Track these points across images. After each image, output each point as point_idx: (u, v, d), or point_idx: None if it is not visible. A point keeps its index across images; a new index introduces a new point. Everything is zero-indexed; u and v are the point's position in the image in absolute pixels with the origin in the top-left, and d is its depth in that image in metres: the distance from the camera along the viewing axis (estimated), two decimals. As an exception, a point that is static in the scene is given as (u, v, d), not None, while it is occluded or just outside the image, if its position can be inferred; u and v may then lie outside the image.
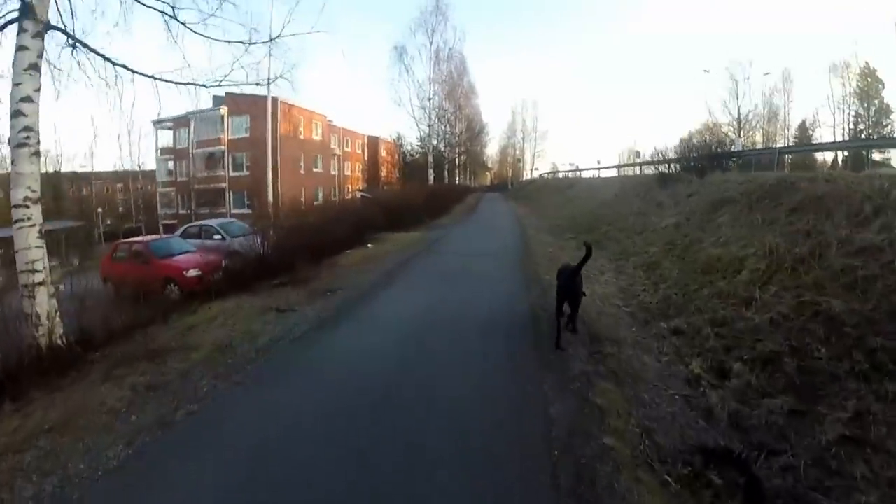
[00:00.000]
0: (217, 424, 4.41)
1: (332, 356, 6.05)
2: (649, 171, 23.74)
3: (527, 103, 77.24)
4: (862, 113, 44.94)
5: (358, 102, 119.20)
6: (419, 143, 43.41)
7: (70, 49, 7.15)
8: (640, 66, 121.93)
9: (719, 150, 16.33)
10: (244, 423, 4.36)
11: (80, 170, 56.49)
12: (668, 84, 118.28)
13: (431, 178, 40.18)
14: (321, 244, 13.37)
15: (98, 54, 7.21)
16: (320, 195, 46.57)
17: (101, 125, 79.96)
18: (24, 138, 6.38)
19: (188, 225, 19.02)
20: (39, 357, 6.25)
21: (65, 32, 6.95)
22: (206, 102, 42.98)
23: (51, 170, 50.76)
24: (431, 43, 39.06)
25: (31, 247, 6.44)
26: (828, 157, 35.66)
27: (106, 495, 3.47)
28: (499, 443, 3.87)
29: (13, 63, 6.38)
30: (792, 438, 3.89)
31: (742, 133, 45.03)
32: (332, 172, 54.64)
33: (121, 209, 57.23)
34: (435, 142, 42.20)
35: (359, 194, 49.19)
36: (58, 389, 5.53)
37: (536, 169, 75.54)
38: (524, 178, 74.57)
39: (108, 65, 7.31)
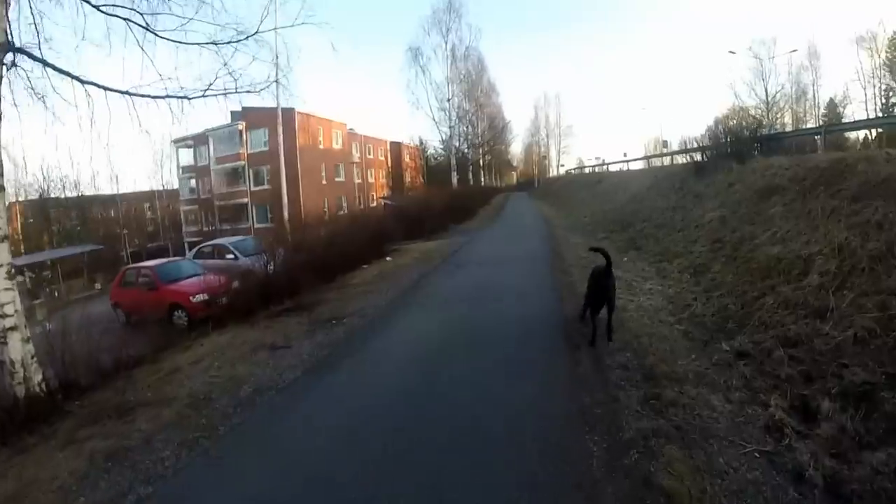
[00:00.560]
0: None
1: (322, 416, 4.91)
2: (680, 160, 22.60)
3: (549, 98, 75.34)
4: (894, 86, 42.75)
5: (380, 108, 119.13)
6: (441, 146, 42.61)
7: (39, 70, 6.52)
8: (661, 53, 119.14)
9: (758, 132, 15.08)
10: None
11: (108, 192, 57.52)
12: (691, 70, 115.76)
13: (455, 181, 39.35)
14: (332, 261, 12.61)
15: (64, 73, 6.52)
16: (344, 205, 46.19)
17: (122, 147, 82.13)
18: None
19: (201, 245, 18.48)
20: (14, 409, 5.65)
21: (28, 53, 6.29)
22: (224, 118, 43.18)
23: (71, 195, 51.91)
24: (446, 42, 38.47)
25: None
26: (860, 135, 33.52)
27: None
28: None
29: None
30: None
31: (770, 115, 43.07)
32: (356, 181, 54.21)
33: (150, 228, 58.45)
34: (457, 143, 41.44)
35: (382, 202, 48.74)
36: (23, 451, 4.88)
37: (562, 165, 74.35)
38: (550, 176, 73.15)
39: (78, 84, 6.63)
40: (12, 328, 5.83)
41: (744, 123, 15.18)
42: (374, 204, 52.36)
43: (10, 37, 6.16)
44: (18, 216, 44.54)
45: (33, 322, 8.23)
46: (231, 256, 15.58)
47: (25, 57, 6.40)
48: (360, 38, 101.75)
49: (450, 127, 39.44)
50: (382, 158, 64.29)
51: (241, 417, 5.01)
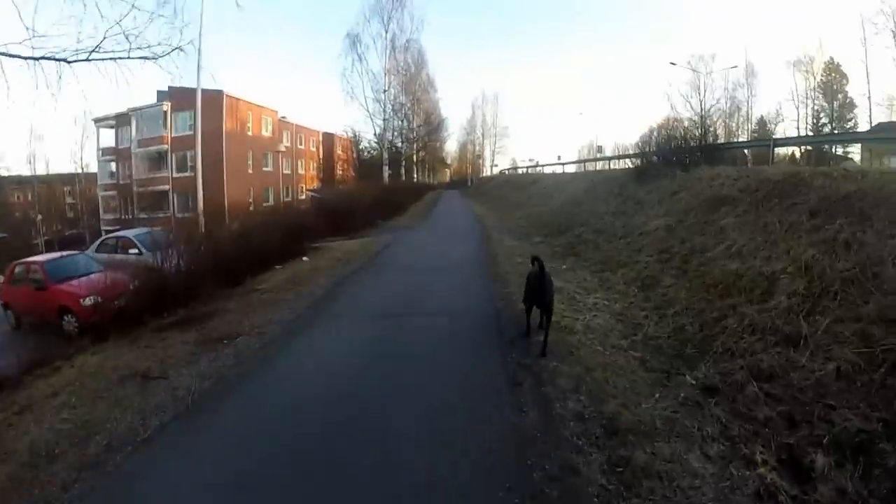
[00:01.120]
0: None
1: (185, 489, 3.59)
2: (619, 165, 22.45)
3: (487, 97, 74.73)
4: (825, 106, 44.71)
5: (313, 97, 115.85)
6: (375, 140, 41.17)
7: None
8: (600, 61, 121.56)
9: (705, 140, 14.76)
10: None
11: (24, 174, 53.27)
12: (628, 81, 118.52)
13: (387, 175, 38.12)
14: (241, 261, 11.14)
15: None
16: (270, 196, 44.03)
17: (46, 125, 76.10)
18: None
19: (105, 237, 16.52)
20: None
21: None
22: (150, 98, 40.37)
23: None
24: (387, 31, 37.18)
25: None
26: (784, 151, 34.78)
27: None
28: None
29: None
30: None
31: (703, 127, 44.15)
32: (285, 171, 51.94)
33: (70, 214, 54.54)
34: (390, 137, 40.18)
35: (308, 195, 46.91)
36: None
37: (496, 165, 74.31)
38: (484, 175, 73.02)
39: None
40: None
41: (686, 131, 14.71)
42: (304, 196, 50.31)
43: None
44: None
45: None
46: (135, 251, 13.82)
47: None
48: (299, 22, 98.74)
49: (384, 119, 38.11)
50: (314, 149, 62.00)
51: (86, 486, 3.74)
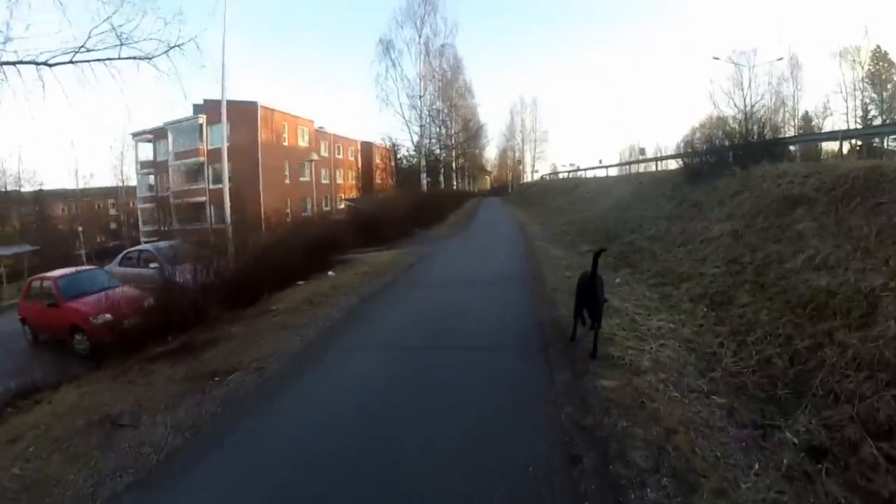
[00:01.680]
0: None
1: None
2: (668, 166, 21.30)
3: (526, 102, 73.34)
4: (875, 97, 42.63)
5: (351, 107, 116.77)
6: (413, 147, 40.53)
7: None
8: (639, 62, 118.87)
9: (764, 135, 13.48)
10: None
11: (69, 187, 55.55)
12: (668, 80, 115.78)
13: (425, 183, 37.40)
14: (260, 277, 10.30)
15: None
16: (308, 206, 43.94)
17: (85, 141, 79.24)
18: None
19: (128, 250, 16.04)
20: None
21: None
22: (186, 111, 40.96)
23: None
24: (420, 36, 36.34)
25: None
26: (834, 146, 32.69)
27: None
28: None
29: None
30: None
31: (748, 124, 42.10)
32: (324, 181, 51.97)
33: (113, 226, 56.49)
34: (427, 143, 39.50)
35: (345, 204, 46.66)
36: None
37: (537, 171, 73.07)
38: (524, 181, 71.90)
39: None
40: None
41: (741, 125, 13.47)
42: (343, 206, 50.22)
43: None
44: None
45: None
46: (156, 265, 12.88)
47: None
48: (336, 34, 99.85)
49: (420, 126, 37.29)
50: (352, 159, 62.02)
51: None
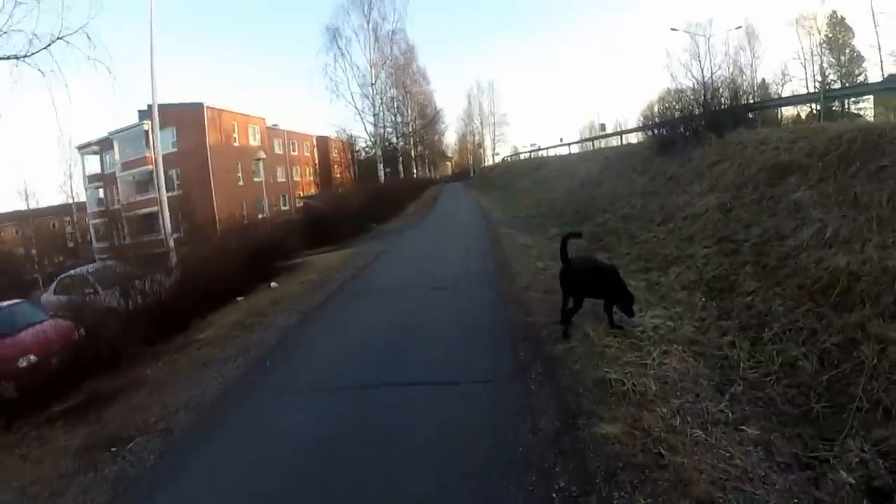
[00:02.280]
0: None
1: None
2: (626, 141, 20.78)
3: (482, 87, 72.44)
4: (833, 62, 43.06)
5: (306, 102, 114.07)
6: (371, 138, 39.13)
7: None
8: (594, 40, 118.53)
9: (739, 100, 12.74)
10: None
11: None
12: (626, 54, 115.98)
13: (383, 174, 36.17)
14: (188, 299, 9.01)
15: None
16: (265, 207, 42.26)
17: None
18: None
19: (63, 275, 14.27)
20: None
21: None
22: (131, 119, 38.74)
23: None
24: (368, 22, 35.06)
25: None
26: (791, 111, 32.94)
27: None
28: None
29: None
30: None
31: (707, 94, 42.11)
32: (280, 180, 50.13)
33: (71, 245, 54.03)
34: (382, 131, 38.23)
35: (301, 202, 45.16)
36: None
37: (497, 154, 72.44)
38: (486, 164, 71.13)
39: None
40: None
41: (714, 93, 12.61)
42: (301, 204, 48.61)
43: None
44: None
45: None
46: (90, 291, 11.26)
47: None
48: (286, 26, 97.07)
49: (374, 115, 35.98)
50: (309, 154, 60.16)
51: None
